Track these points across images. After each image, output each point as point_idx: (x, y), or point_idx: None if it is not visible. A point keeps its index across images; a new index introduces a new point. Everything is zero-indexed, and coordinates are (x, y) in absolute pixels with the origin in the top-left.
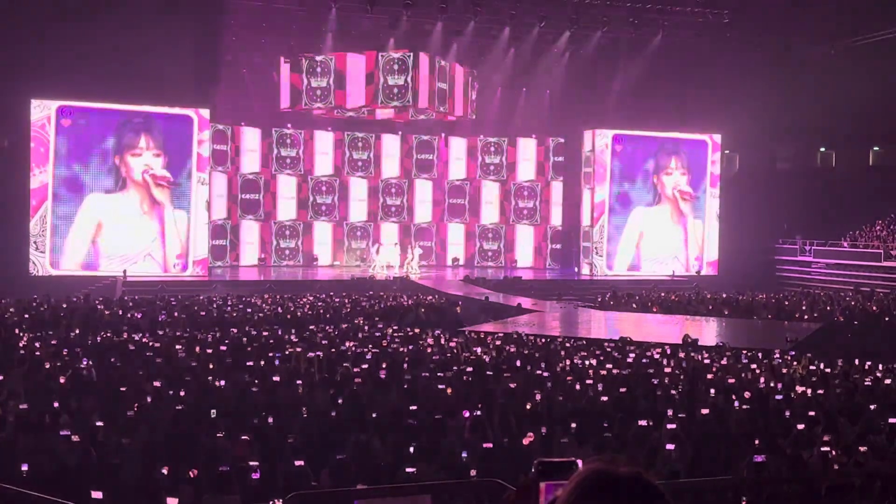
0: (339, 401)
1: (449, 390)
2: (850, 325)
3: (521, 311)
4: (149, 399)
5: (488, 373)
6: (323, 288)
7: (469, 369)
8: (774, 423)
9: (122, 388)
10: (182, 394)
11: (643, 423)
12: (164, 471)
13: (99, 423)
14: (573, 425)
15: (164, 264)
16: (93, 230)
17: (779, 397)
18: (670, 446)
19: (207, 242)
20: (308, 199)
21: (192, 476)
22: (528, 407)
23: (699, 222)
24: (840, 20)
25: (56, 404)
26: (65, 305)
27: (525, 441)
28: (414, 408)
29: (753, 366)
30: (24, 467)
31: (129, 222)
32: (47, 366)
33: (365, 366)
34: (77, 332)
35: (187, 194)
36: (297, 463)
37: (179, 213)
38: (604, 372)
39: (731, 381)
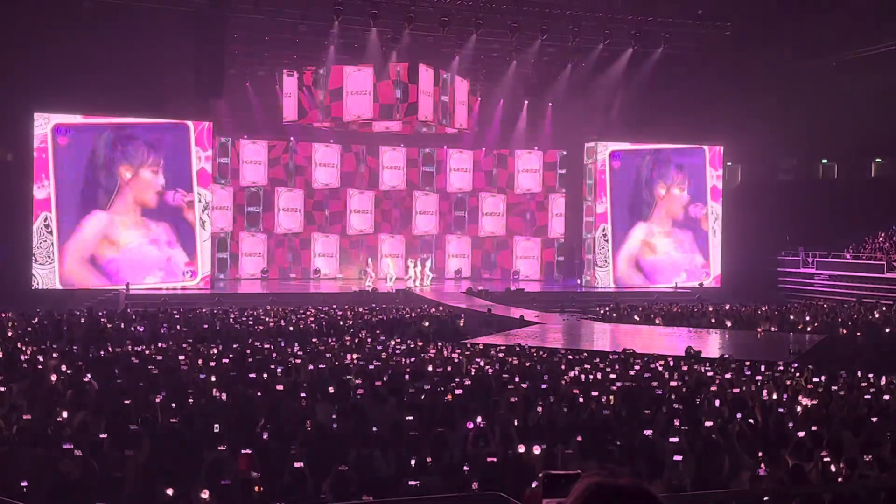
0: (341, 413)
1: (452, 396)
2: (853, 337)
3: (524, 323)
4: (151, 412)
5: (491, 385)
6: (325, 300)
7: (468, 383)
8: (777, 436)
9: (125, 402)
10: (188, 404)
11: (647, 433)
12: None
13: (102, 436)
14: (577, 438)
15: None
16: (94, 247)
17: (781, 410)
18: (678, 457)
19: (210, 255)
20: (310, 212)
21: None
22: (530, 419)
23: (696, 233)
24: (841, 33)
25: (59, 418)
26: (66, 317)
27: (527, 452)
28: (413, 419)
29: (757, 378)
30: (24, 483)
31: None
32: (53, 378)
33: (367, 378)
34: (80, 345)
35: (189, 207)
36: (297, 465)
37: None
38: (609, 385)
39: (735, 391)
